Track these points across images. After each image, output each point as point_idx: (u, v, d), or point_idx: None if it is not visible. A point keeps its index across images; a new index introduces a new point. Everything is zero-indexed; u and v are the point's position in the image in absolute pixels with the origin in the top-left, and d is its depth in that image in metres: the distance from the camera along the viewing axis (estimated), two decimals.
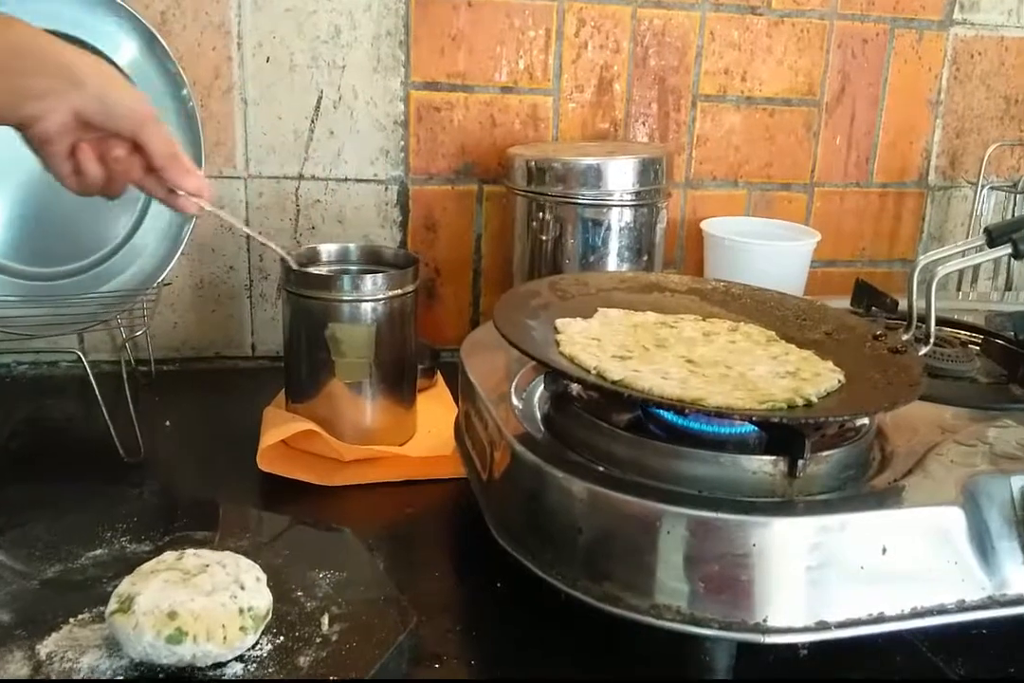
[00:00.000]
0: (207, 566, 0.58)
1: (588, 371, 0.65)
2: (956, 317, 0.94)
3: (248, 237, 1.09)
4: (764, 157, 1.26)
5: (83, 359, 0.86)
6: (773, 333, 0.76)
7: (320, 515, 0.76)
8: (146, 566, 0.58)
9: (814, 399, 0.63)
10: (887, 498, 0.61)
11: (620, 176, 1.02)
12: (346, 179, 1.12)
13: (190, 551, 0.60)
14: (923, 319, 0.76)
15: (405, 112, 1.12)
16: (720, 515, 0.55)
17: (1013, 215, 1.26)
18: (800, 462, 0.59)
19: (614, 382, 0.63)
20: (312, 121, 1.09)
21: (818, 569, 0.56)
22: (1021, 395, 0.79)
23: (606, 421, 0.64)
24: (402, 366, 0.89)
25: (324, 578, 0.64)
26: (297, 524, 0.72)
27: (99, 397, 0.85)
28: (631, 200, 1.04)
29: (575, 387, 0.71)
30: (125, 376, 0.91)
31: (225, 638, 0.54)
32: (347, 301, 0.84)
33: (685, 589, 0.56)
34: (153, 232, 0.99)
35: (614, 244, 1.05)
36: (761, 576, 0.55)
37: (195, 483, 0.85)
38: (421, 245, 1.16)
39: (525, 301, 0.76)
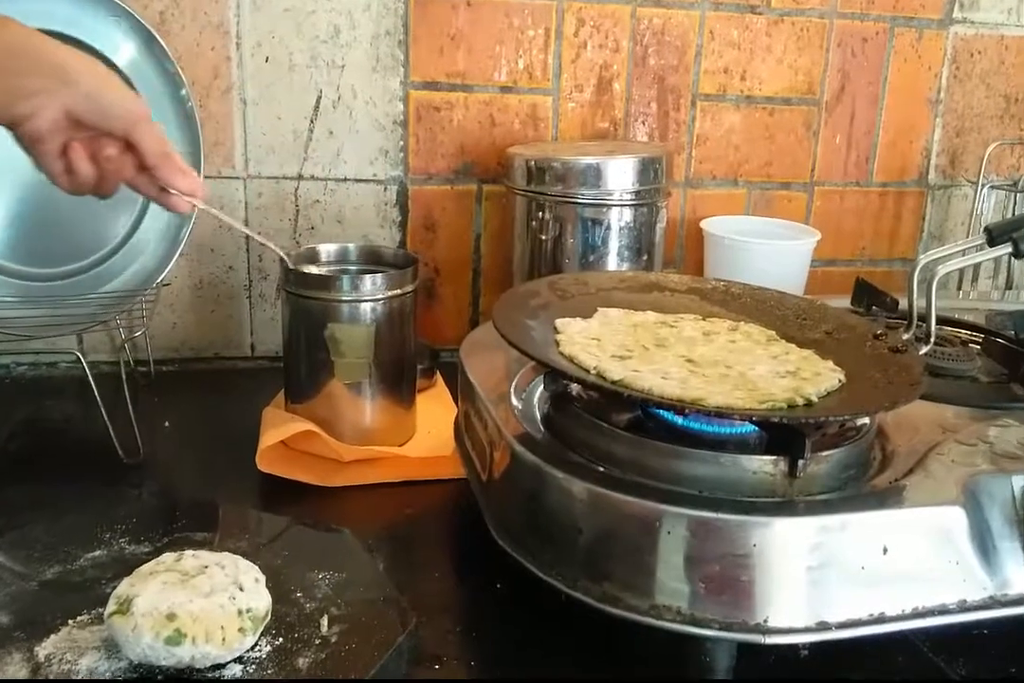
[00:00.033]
0: (206, 567, 0.58)
1: (588, 371, 0.65)
2: (956, 316, 0.93)
3: (247, 237, 1.09)
4: (764, 156, 1.25)
5: (82, 360, 0.86)
6: (773, 332, 0.76)
7: (319, 516, 0.76)
8: (145, 567, 0.58)
9: (814, 399, 0.63)
10: (888, 498, 0.61)
11: (620, 175, 1.02)
12: (345, 179, 1.12)
13: (189, 552, 0.60)
14: (923, 318, 0.76)
15: (404, 112, 1.11)
16: (720, 515, 0.55)
17: (1013, 214, 1.26)
18: (800, 462, 0.59)
19: (614, 382, 0.63)
20: (311, 121, 1.09)
21: (819, 569, 0.56)
22: (1022, 394, 0.79)
23: (606, 421, 0.64)
24: (401, 366, 0.89)
25: (323, 579, 0.64)
26: (296, 525, 0.72)
27: (98, 398, 0.85)
28: (631, 199, 1.04)
29: (575, 387, 0.71)
30: (124, 377, 0.91)
31: (224, 639, 0.54)
32: (346, 301, 0.84)
33: (685, 589, 0.56)
34: (152, 232, 0.99)
35: (614, 243, 1.05)
36: (762, 576, 0.55)
37: (194, 484, 0.85)
38: (420, 245, 1.16)
39: (525, 301, 0.76)
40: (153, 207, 0.97)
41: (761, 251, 1.11)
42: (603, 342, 0.70)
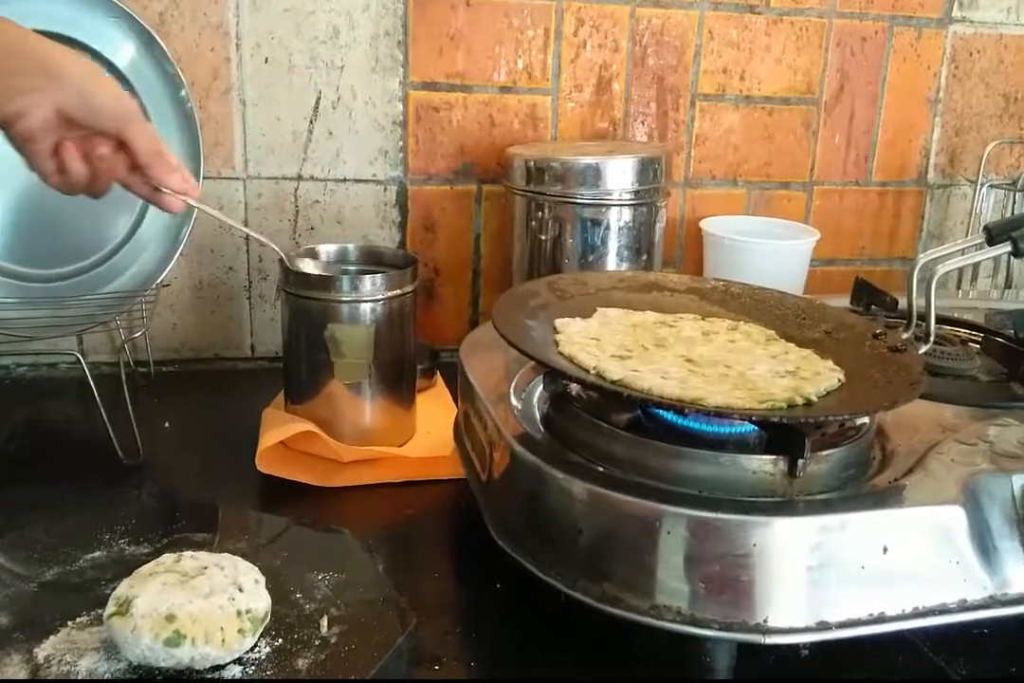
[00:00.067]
0: (205, 568, 0.58)
1: (587, 371, 0.65)
2: (956, 315, 0.93)
3: (247, 238, 1.09)
4: (763, 156, 1.25)
5: (82, 361, 0.86)
6: (773, 332, 0.76)
7: (319, 516, 0.76)
8: (144, 568, 0.58)
9: (814, 398, 0.63)
10: (888, 497, 0.61)
11: (619, 175, 1.02)
12: (345, 180, 1.12)
13: (188, 553, 0.60)
14: (923, 317, 0.76)
15: (404, 112, 1.11)
16: (720, 515, 0.55)
17: (1012, 213, 1.26)
18: (800, 461, 0.59)
19: (613, 382, 0.63)
20: (311, 122, 1.09)
21: (819, 569, 0.56)
22: (1022, 393, 0.79)
23: (606, 421, 0.64)
24: (401, 366, 0.89)
25: (323, 580, 0.64)
26: (296, 525, 0.72)
27: (98, 399, 0.85)
28: (630, 199, 1.04)
29: (574, 387, 0.71)
30: (124, 378, 0.91)
31: (223, 640, 0.54)
32: (346, 302, 0.84)
33: (685, 590, 0.55)
34: (152, 233, 0.99)
35: (613, 243, 1.05)
36: (762, 576, 0.55)
37: (194, 485, 0.85)
38: (420, 245, 1.16)
39: (524, 301, 0.76)
40: (153, 208, 0.97)
41: (760, 251, 1.11)
42: (602, 342, 0.70)
